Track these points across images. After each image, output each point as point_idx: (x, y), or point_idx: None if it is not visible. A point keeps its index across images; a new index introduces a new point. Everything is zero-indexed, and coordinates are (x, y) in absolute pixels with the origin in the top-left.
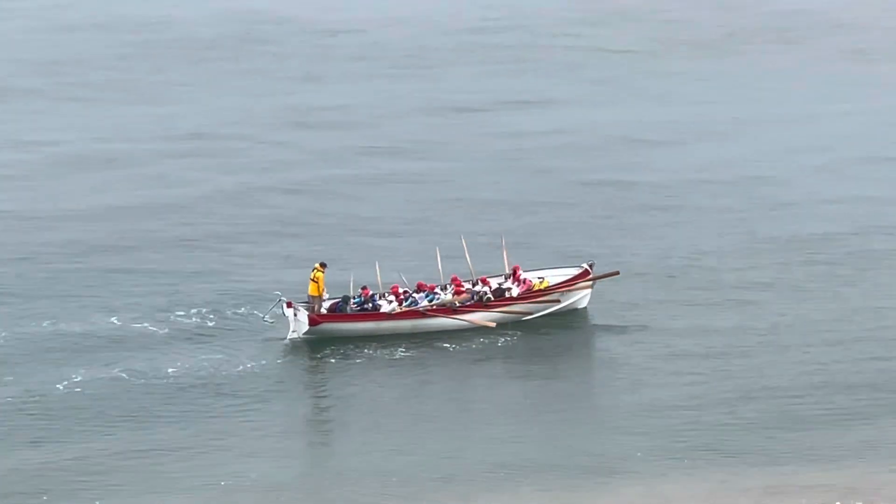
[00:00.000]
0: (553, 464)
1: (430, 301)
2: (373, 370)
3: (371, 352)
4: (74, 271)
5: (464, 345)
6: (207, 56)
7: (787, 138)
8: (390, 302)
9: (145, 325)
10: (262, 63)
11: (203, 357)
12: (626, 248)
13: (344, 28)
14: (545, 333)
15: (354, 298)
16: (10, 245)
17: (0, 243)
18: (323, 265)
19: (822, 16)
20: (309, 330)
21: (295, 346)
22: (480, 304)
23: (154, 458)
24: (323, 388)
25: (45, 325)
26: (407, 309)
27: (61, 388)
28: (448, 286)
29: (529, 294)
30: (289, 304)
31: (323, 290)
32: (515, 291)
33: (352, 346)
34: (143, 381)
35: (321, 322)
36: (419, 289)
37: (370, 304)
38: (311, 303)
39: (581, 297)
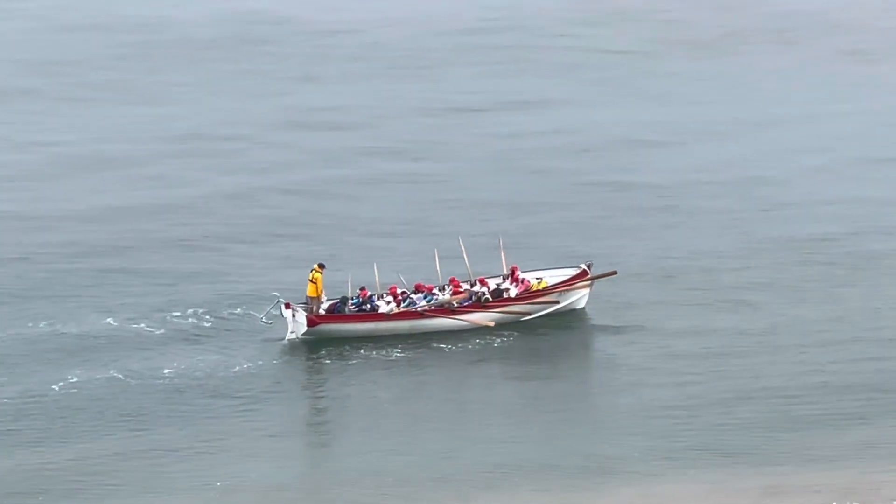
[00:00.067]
0: (551, 464)
1: (429, 302)
2: (371, 371)
3: (369, 352)
4: (71, 272)
5: (462, 345)
6: (206, 56)
7: (785, 139)
8: (388, 303)
9: (142, 325)
10: (260, 63)
11: (200, 358)
12: (623, 249)
13: (342, 28)
14: (543, 334)
15: (353, 299)
16: (7, 245)
17: None
18: (321, 266)
19: (820, 16)
20: (307, 331)
21: (293, 347)
22: (478, 304)
23: (151, 458)
24: (321, 389)
25: (41, 325)
26: (405, 310)
27: (58, 388)
28: (446, 287)
29: (528, 294)
30: (287, 305)
31: (321, 290)
32: (514, 292)
33: (350, 347)
34: (140, 381)
35: (319, 323)
36: (417, 290)
37: (368, 305)
38: (310, 303)
39: (579, 298)
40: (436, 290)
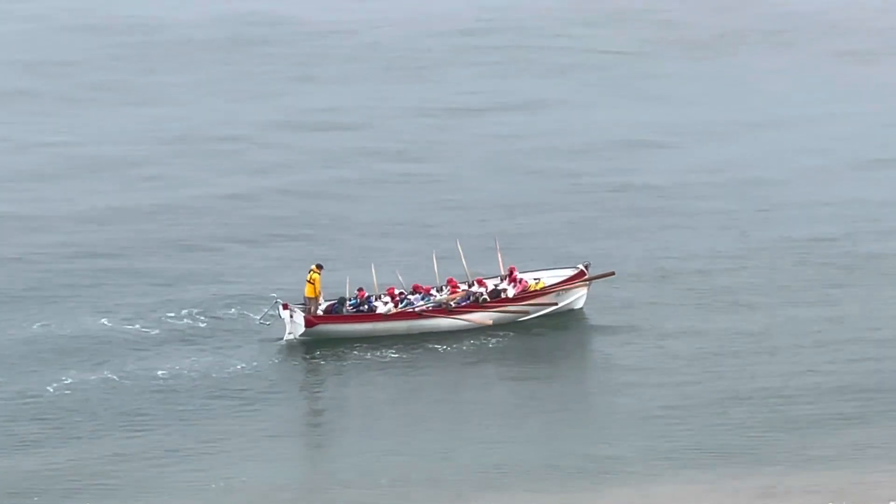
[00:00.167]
0: (547, 464)
1: (426, 303)
2: (368, 371)
3: (366, 353)
4: (67, 272)
5: (459, 346)
6: (203, 57)
7: (782, 140)
8: (386, 303)
9: (137, 326)
10: (257, 64)
11: (195, 359)
12: (620, 250)
13: (340, 29)
14: (540, 334)
15: (350, 300)
16: (2, 246)
17: None
18: (319, 266)
19: (818, 17)
20: (305, 331)
21: (290, 348)
22: (476, 304)
23: (146, 460)
24: (318, 390)
25: (36, 326)
26: (403, 310)
27: (52, 389)
28: (444, 288)
29: (525, 295)
30: (285, 306)
31: (319, 291)
32: (511, 292)
33: (347, 348)
34: (135, 382)
35: (317, 323)
36: (415, 290)
37: (366, 306)
38: (308, 304)
39: (577, 298)
40: (433, 291)
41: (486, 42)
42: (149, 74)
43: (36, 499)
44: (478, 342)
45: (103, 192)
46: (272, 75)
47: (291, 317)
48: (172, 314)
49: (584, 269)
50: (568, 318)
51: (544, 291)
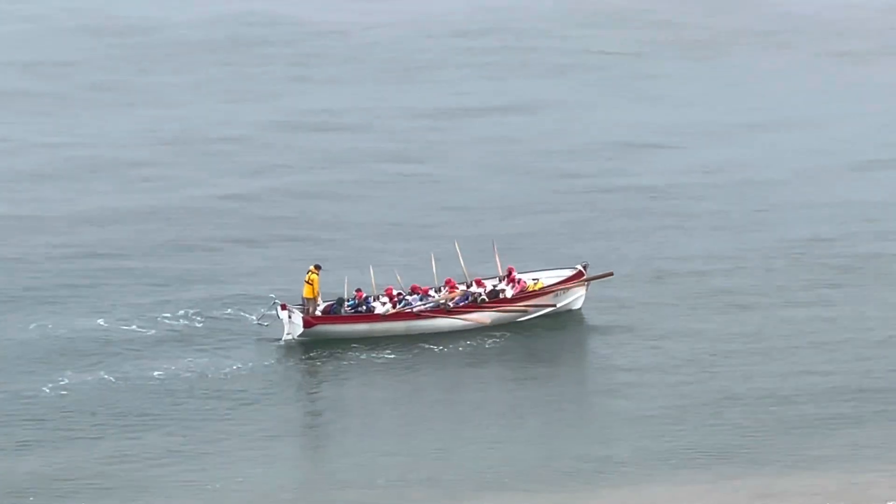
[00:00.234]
0: (542, 466)
1: (424, 303)
2: (366, 372)
3: (364, 354)
4: (63, 273)
5: (457, 346)
6: (200, 58)
7: (778, 141)
8: (384, 304)
9: (133, 326)
10: (254, 65)
11: (193, 360)
12: (618, 251)
13: (336, 30)
14: (537, 335)
15: (349, 300)
16: None
17: None
18: (317, 267)
19: (815, 18)
20: (303, 332)
21: (288, 348)
22: (475, 304)
23: (143, 461)
24: (316, 390)
25: (32, 326)
26: (400, 310)
27: (48, 390)
28: (442, 289)
29: (524, 295)
30: (283, 307)
31: (317, 292)
32: (510, 293)
33: (345, 348)
34: (132, 383)
35: (315, 324)
36: (413, 291)
37: (364, 307)
38: (306, 305)
39: (575, 299)
40: (432, 292)
41: (484, 43)
42: (147, 75)
43: (32, 499)
44: (476, 343)
45: (101, 193)
46: (270, 76)
47: (290, 317)
48: (170, 315)
49: (582, 269)
50: (565, 319)
51: (543, 292)
